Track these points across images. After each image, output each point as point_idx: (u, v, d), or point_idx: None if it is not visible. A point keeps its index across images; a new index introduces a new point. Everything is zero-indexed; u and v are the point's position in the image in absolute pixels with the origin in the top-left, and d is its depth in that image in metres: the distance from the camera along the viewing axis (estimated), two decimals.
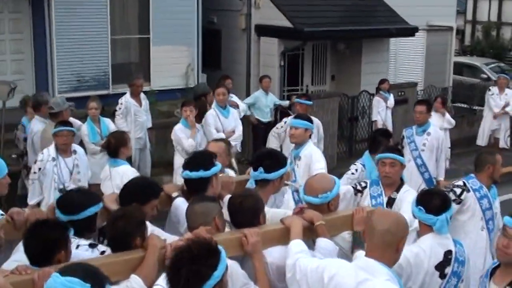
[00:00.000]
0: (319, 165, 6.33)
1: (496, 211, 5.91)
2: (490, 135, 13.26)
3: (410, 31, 15.35)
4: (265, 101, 12.02)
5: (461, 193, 5.77)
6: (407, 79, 16.55)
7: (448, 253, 4.16)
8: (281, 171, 4.58)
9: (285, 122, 9.40)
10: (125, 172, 6.13)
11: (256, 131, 12.01)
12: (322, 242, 3.88)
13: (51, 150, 7.15)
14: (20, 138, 8.90)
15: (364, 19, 15.02)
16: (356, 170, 6.49)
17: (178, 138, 8.55)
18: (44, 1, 12.14)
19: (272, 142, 8.96)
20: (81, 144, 8.46)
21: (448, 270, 4.13)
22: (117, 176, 6.17)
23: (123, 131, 7.78)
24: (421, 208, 4.19)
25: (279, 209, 4.92)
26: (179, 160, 8.40)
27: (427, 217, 4.17)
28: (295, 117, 6.99)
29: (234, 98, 10.69)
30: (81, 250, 3.72)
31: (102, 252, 3.75)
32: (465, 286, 4.26)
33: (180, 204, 4.40)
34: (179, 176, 5.10)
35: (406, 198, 5.21)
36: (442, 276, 4.12)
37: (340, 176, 5.86)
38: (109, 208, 4.14)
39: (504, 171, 7.17)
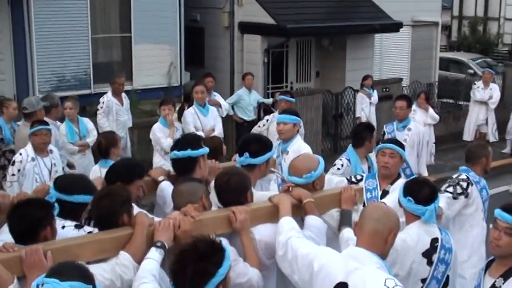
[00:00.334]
0: None
1: None
2: (476, 129, 13.38)
3: (395, 27, 15.29)
4: (248, 100, 11.89)
5: (467, 187, 5.82)
6: (392, 75, 16.45)
7: (434, 240, 4.14)
8: (267, 155, 4.60)
9: (267, 120, 9.33)
10: None
11: (239, 129, 11.88)
12: (311, 220, 3.88)
13: (29, 151, 7.07)
14: None
15: (348, 15, 14.97)
16: (342, 165, 6.42)
17: (156, 137, 8.45)
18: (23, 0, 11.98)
19: None
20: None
21: (434, 257, 4.11)
22: None
23: (113, 131, 7.70)
24: (410, 198, 4.15)
25: (265, 191, 4.84)
26: (157, 159, 8.31)
27: (416, 207, 4.13)
28: (282, 113, 6.94)
29: (217, 97, 10.53)
30: (66, 230, 3.68)
31: (89, 233, 3.69)
32: (453, 274, 4.25)
33: (166, 187, 4.36)
34: None
35: (396, 190, 5.14)
36: (430, 263, 4.11)
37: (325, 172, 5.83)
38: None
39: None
